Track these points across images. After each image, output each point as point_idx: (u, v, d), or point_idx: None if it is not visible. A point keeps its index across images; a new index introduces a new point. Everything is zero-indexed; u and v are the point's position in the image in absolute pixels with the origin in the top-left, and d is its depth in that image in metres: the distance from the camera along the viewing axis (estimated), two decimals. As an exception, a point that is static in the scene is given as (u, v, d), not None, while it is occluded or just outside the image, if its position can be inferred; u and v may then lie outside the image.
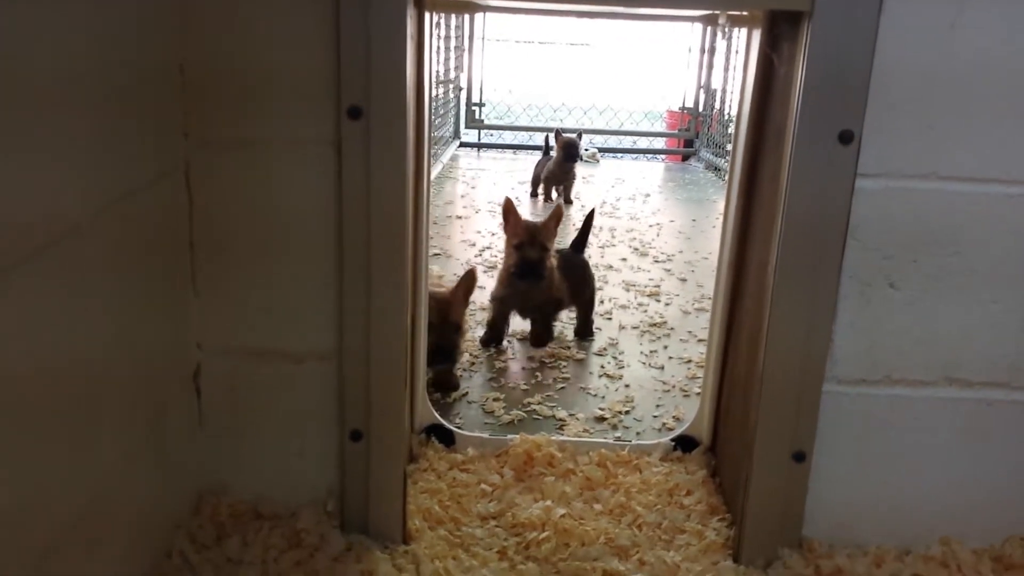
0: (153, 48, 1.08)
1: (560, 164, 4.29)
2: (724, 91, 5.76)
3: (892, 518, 1.30)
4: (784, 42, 1.24)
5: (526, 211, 3.67)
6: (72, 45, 0.88)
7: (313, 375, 1.26)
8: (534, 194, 4.52)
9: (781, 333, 1.21)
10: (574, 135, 4.46)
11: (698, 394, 1.75)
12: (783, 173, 1.18)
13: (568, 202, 4.29)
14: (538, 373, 2.10)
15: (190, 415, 1.26)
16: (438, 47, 5.30)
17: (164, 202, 1.14)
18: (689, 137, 6.22)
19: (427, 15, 1.28)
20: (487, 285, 2.51)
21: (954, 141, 1.14)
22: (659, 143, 6.56)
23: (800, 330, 1.20)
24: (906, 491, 1.29)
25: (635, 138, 6.45)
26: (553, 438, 1.61)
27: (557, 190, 4.44)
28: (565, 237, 2.87)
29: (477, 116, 6.07)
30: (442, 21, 5.27)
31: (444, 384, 1.98)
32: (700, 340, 2.37)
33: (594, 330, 2.40)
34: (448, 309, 1.91)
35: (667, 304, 2.72)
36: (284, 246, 1.21)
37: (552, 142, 4.44)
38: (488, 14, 5.94)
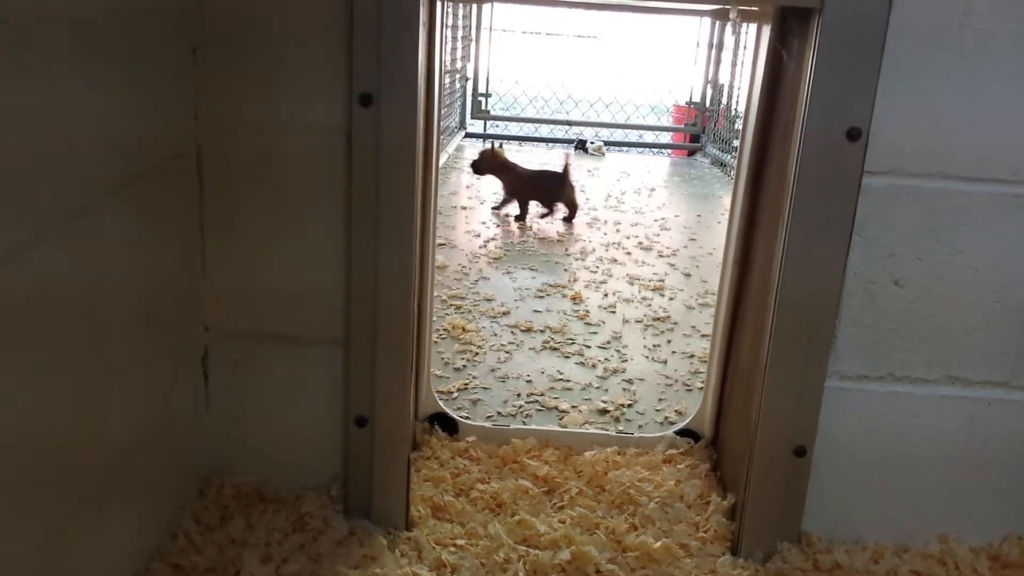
0: (167, 26, 1.08)
1: None
2: (731, 87, 5.74)
3: (891, 514, 1.31)
4: (794, 38, 1.24)
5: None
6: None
7: (319, 361, 1.26)
8: None
9: (784, 328, 1.21)
10: None
11: (700, 388, 1.76)
12: (790, 169, 1.18)
13: None
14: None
15: (197, 398, 1.27)
16: (445, 36, 5.28)
17: (175, 184, 1.14)
18: (695, 132, 6.21)
19: (439, 3, 1.29)
20: (487, 272, 2.59)
21: (960, 140, 1.15)
22: (665, 137, 6.55)
23: (803, 325, 1.21)
24: (905, 488, 1.30)
25: (641, 132, 6.44)
26: (555, 430, 1.61)
27: None
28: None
29: (483, 107, 6.05)
30: (449, 10, 5.25)
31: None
32: (703, 335, 2.37)
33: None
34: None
35: (671, 299, 2.72)
36: (293, 231, 1.21)
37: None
38: (496, 4, 5.92)
